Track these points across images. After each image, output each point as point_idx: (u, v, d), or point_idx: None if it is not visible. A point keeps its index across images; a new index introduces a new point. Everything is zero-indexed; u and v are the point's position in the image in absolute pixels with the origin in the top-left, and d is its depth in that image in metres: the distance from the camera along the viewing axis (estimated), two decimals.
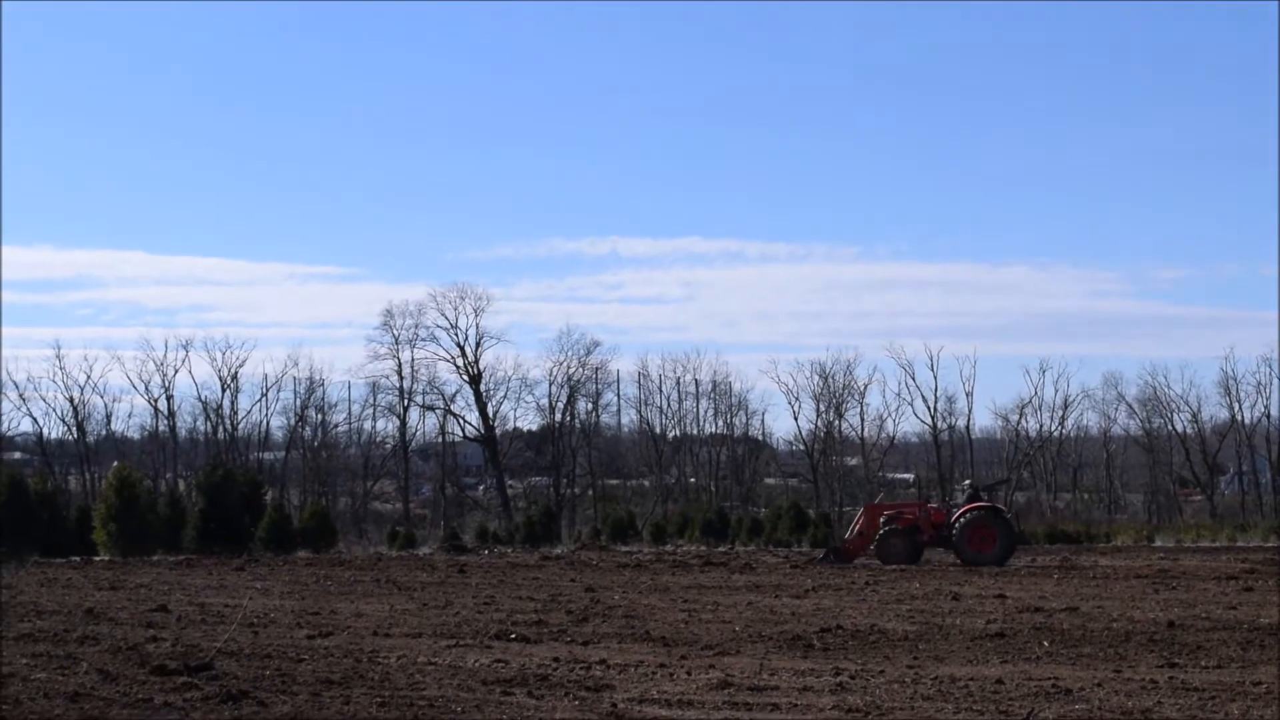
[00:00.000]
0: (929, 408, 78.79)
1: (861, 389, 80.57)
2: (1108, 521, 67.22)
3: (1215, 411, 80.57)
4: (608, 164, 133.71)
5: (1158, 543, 52.95)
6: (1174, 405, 79.22)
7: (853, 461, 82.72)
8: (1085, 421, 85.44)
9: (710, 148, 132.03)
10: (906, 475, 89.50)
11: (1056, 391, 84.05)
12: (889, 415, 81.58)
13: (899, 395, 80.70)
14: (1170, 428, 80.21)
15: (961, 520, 37.21)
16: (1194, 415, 79.14)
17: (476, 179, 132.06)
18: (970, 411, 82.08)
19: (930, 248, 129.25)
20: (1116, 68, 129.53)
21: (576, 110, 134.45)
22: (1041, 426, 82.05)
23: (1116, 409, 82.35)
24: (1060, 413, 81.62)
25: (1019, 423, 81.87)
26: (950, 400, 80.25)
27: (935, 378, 79.14)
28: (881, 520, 38.34)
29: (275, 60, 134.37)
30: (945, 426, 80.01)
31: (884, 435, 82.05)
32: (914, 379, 78.89)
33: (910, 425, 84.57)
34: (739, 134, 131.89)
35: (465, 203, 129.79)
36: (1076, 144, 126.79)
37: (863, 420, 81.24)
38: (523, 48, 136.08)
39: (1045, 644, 17.79)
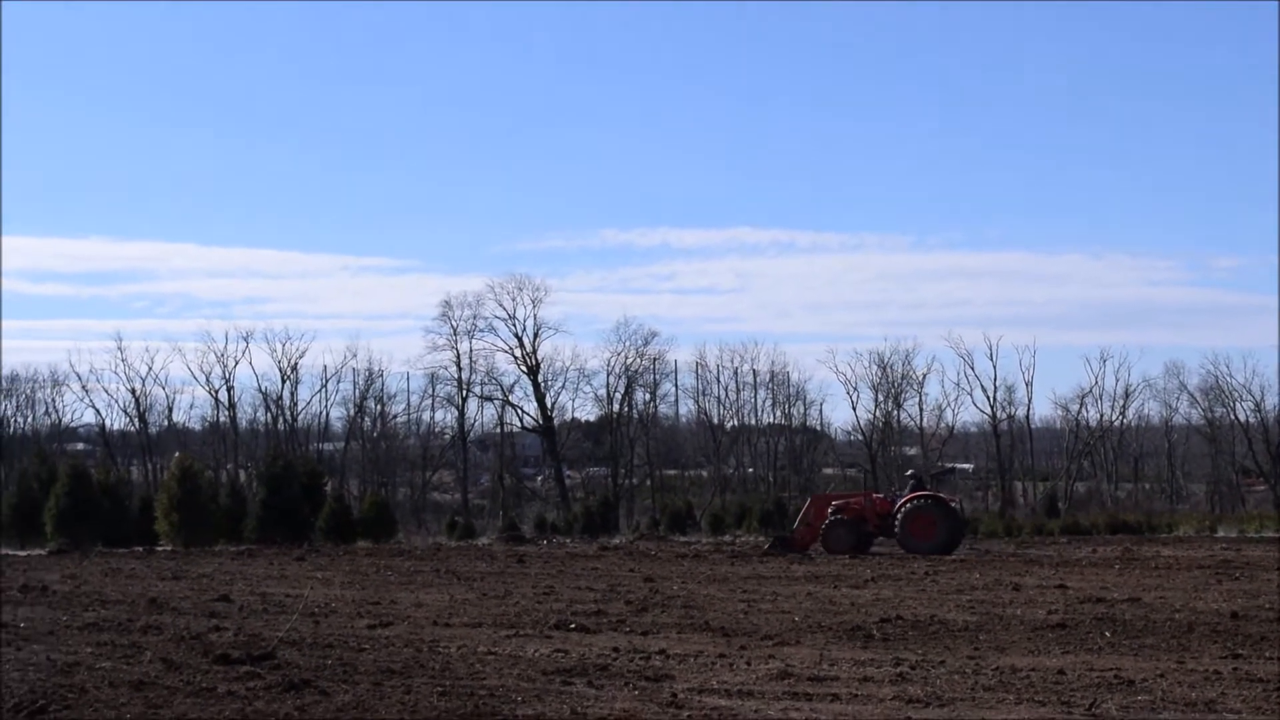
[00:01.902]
0: (988, 397, 78.42)
1: (920, 378, 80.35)
2: (1170, 512, 66.56)
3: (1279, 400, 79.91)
4: (657, 155, 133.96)
5: (1220, 533, 52.45)
6: (1237, 394, 78.50)
7: (911, 451, 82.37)
8: (1147, 411, 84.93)
9: (759, 138, 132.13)
10: (966, 465, 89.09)
11: (1117, 381, 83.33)
12: (948, 405, 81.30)
13: (958, 385, 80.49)
14: (1233, 417, 79.44)
15: (904, 510, 37.46)
16: (1257, 404, 78.36)
17: (526, 170, 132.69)
18: (1030, 401, 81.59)
19: (983, 237, 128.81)
20: (1168, 53, 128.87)
21: (625, 101, 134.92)
22: (1102, 416, 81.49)
23: (1178, 398, 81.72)
24: (1121, 402, 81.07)
25: (1079, 412, 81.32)
26: (1010, 390, 79.85)
27: (994, 367, 79.06)
28: (829, 510, 38.65)
29: (320, 53, 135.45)
30: (1005, 416, 79.59)
31: (943, 425, 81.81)
32: (973, 368, 78.56)
33: (969, 415, 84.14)
34: (787, 123, 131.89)
35: (515, 194, 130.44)
36: (1125, 130, 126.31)
37: (921, 410, 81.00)
38: (571, 39, 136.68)
39: (1107, 635, 17.66)
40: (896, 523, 37.39)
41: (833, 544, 37.48)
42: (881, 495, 40.55)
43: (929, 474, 43.30)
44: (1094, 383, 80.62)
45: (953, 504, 39.46)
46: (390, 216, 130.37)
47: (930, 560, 34.15)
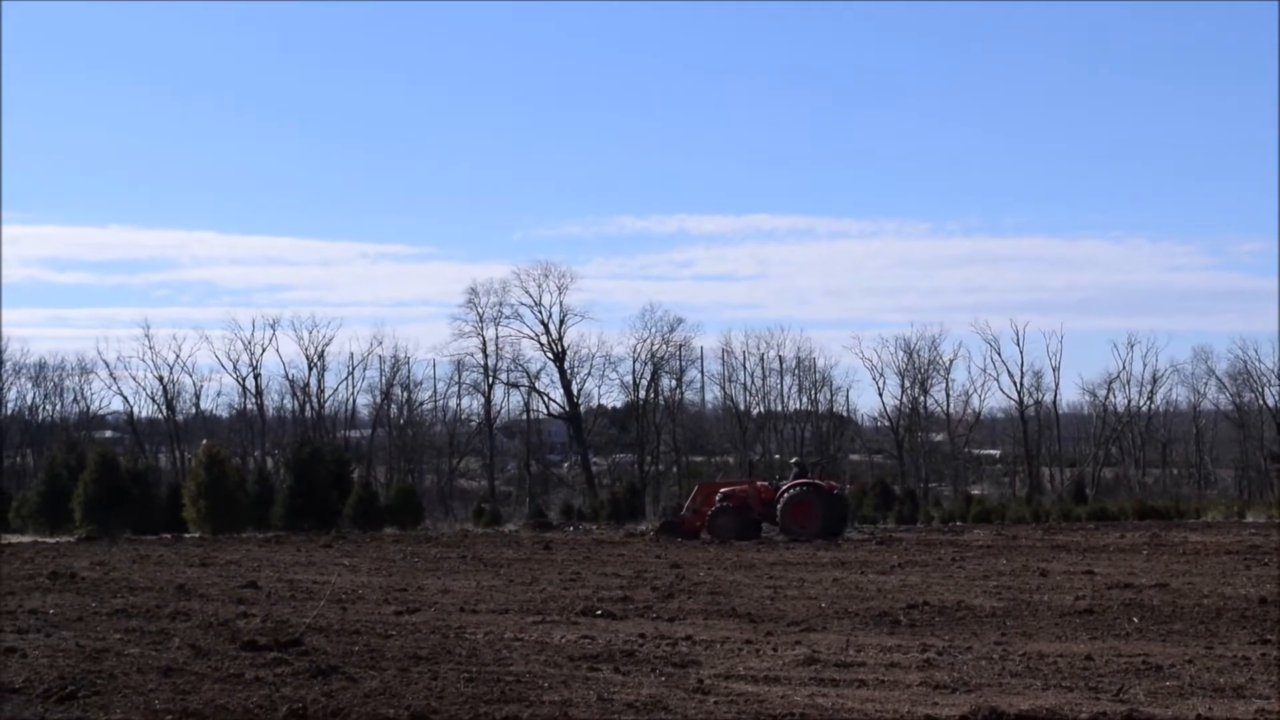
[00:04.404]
0: (1015, 383, 78.24)
1: (947, 364, 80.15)
2: (1197, 497, 66.33)
3: None
4: (672, 141, 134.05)
5: (1249, 518, 52.16)
6: (1265, 379, 78.19)
7: (938, 437, 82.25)
8: (1174, 396, 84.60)
9: (775, 124, 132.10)
10: (993, 451, 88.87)
11: (1145, 366, 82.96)
12: (974, 391, 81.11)
13: (984, 370, 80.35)
14: (1261, 402, 79.14)
15: (784, 497, 38.48)
16: None
17: (540, 157, 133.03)
18: (1057, 386, 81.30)
19: (1001, 223, 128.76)
20: (1184, 37, 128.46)
21: (638, 87, 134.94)
22: (1130, 401, 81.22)
23: (1206, 383, 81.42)
24: (1149, 387, 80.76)
25: (1107, 398, 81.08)
26: (1037, 375, 79.63)
27: (1021, 353, 78.54)
28: (717, 498, 39.53)
29: (334, 41, 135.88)
30: (1032, 402, 79.37)
31: (970, 411, 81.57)
32: (999, 354, 78.38)
33: (996, 401, 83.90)
34: (803, 110, 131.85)
35: (531, 181, 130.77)
36: (1139, 115, 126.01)
37: (948, 396, 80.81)
38: (584, 25, 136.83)
39: (1135, 620, 17.62)
40: (778, 509, 38.43)
41: (718, 530, 38.41)
42: (766, 483, 41.49)
43: (812, 462, 44.07)
44: (1121, 368, 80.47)
45: (834, 491, 40.16)
46: (406, 204, 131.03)
47: (956, 546, 34.08)
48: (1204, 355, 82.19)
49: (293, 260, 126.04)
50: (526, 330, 78.17)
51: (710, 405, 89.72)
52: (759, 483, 41.72)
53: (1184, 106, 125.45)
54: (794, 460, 45.38)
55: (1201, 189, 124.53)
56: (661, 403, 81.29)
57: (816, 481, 39.86)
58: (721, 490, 40.22)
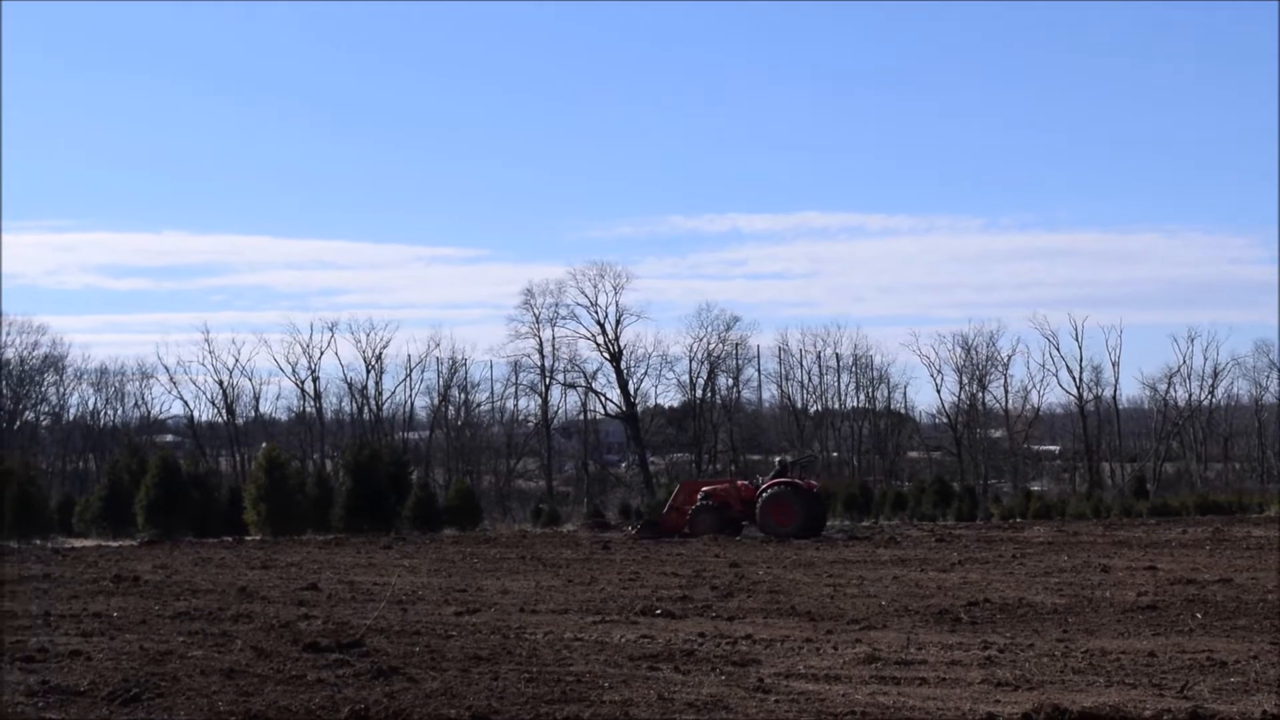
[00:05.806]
0: (1074, 378, 77.77)
1: (1005, 360, 79.74)
2: (1260, 492, 65.64)
3: None
4: (721, 140, 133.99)
5: None
6: None
7: (997, 434, 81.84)
8: (1236, 390, 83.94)
9: (824, 121, 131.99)
10: (1053, 447, 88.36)
11: (1206, 360, 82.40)
12: (1033, 386, 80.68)
13: (1043, 366, 79.86)
14: None
15: (763, 496, 38.75)
16: None
17: (592, 158, 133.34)
18: (1117, 381, 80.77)
19: (1054, 217, 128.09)
20: (1230, 26, 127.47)
21: (689, 87, 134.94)
22: (1191, 395, 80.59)
23: (1268, 376, 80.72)
24: (1210, 381, 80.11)
25: (1167, 392, 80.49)
26: (1096, 370, 79.12)
27: (1080, 348, 78.09)
28: (699, 496, 39.96)
29: (380, 45, 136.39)
30: (1091, 397, 78.86)
31: (1028, 407, 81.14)
32: (1058, 349, 77.94)
33: (1055, 396, 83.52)
34: (853, 107, 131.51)
35: (582, 182, 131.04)
36: (1193, 108, 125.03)
37: (1006, 392, 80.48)
38: (634, 27, 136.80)
39: (1198, 616, 17.47)
40: (758, 508, 38.70)
41: (699, 528, 38.80)
42: (747, 482, 41.82)
43: (792, 461, 44.19)
44: (1182, 362, 79.84)
45: (813, 490, 40.30)
46: (458, 206, 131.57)
47: (1017, 543, 33.87)
48: (1265, 348, 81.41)
49: (347, 264, 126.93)
50: (583, 330, 78.45)
51: (767, 403, 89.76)
52: (739, 482, 42.19)
53: (1233, 99, 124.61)
54: (777, 459, 45.74)
55: (1252, 182, 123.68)
56: (718, 401, 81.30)
57: (795, 480, 39.98)
58: (703, 489, 40.68)
